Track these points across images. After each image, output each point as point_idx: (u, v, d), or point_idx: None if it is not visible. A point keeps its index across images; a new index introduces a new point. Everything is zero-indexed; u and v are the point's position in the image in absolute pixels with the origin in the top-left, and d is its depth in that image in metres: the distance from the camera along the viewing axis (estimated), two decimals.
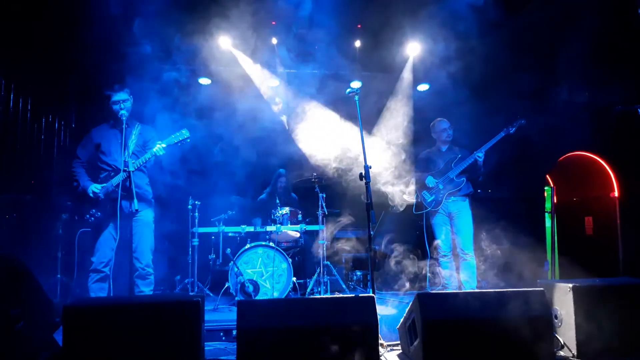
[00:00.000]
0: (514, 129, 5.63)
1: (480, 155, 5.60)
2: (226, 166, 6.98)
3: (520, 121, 5.65)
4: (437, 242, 5.84)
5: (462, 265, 5.68)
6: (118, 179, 4.55)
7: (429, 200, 5.84)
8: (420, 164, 6.10)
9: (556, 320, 3.62)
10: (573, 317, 3.50)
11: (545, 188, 6.84)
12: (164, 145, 4.67)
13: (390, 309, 5.81)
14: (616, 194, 6.47)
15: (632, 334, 3.52)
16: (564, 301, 3.59)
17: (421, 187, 5.95)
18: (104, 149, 4.73)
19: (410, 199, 5.89)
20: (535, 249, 6.55)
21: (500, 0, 6.10)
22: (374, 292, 4.19)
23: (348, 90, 4.56)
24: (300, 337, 3.16)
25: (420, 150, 6.32)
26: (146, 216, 4.75)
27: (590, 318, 3.49)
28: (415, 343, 3.34)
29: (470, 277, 5.61)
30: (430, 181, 5.81)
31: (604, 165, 6.68)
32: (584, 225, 6.81)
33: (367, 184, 4.10)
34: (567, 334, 3.55)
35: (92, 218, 4.58)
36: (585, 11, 5.91)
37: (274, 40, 7.30)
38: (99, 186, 4.60)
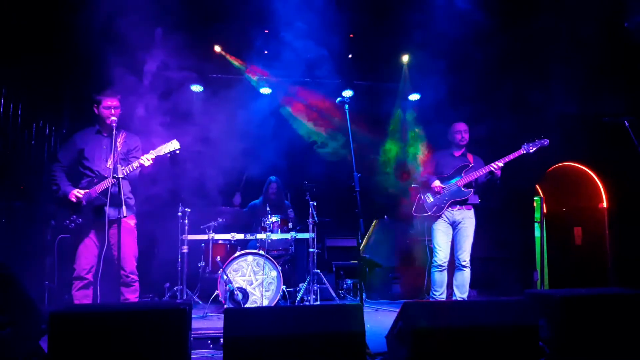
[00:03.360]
0: (535, 148, 5.36)
1: (497, 166, 5.37)
2: (217, 173, 6.98)
3: (543, 142, 5.37)
4: (434, 249, 5.71)
5: (457, 275, 5.61)
6: (104, 185, 4.50)
7: (430, 204, 5.72)
8: (429, 164, 5.94)
9: (542, 330, 3.63)
10: (560, 327, 3.51)
11: (535, 198, 6.89)
12: (152, 156, 4.60)
13: (380, 318, 5.81)
14: (605, 204, 6.53)
15: (619, 344, 3.54)
16: (551, 311, 3.60)
17: (425, 188, 5.81)
18: (87, 155, 4.66)
19: None
20: (524, 259, 6.59)
21: (493, 11, 6.16)
22: (362, 301, 4.20)
23: (339, 99, 4.59)
24: (287, 345, 3.15)
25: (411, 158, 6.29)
26: (128, 223, 4.69)
27: (578, 328, 3.51)
28: (403, 352, 3.34)
29: (463, 287, 5.55)
30: (436, 185, 5.66)
31: (592, 176, 6.75)
32: (573, 235, 6.86)
33: (357, 192, 4.12)
34: (553, 343, 3.56)
35: (72, 224, 4.52)
36: (576, 23, 5.99)
37: (267, 47, 7.33)
38: (81, 191, 4.55)
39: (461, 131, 5.77)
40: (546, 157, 6.78)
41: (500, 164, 5.41)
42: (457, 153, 5.85)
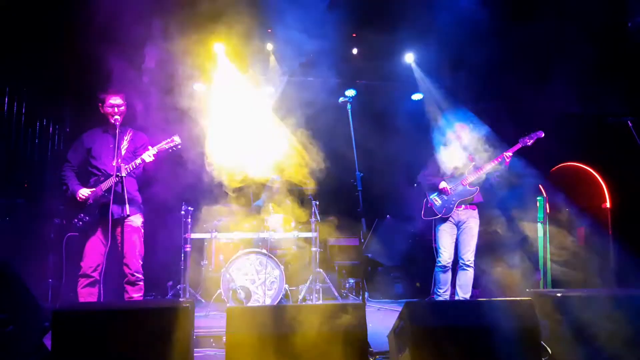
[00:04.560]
0: (531, 141, 5.47)
1: (509, 155, 5.47)
2: (220, 172, 6.98)
3: (538, 133, 5.47)
4: (439, 250, 5.71)
5: (460, 275, 5.61)
6: (108, 183, 4.53)
7: (439, 207, 5.71)
8: (430, 167, 5.93)
9: (544, 330, 3.63)
10: (561, 327, 3.51)
11: (538, 198, 6.87)
12: (154, 152, 4.62)
13: (382, 317, 5.82)
14: (608, 204, 6.51)
15: (621, 344, 3.53)
16: (552, 311, 3.60)
17: (431, 191, 5.82)
18: (94, 154, 4.70)
19: None
20: (527, 259, 6.57)
21: (496, 12, 6.15)
22: (364, 300, 4.21)
23: (341, 98, 4.59)
24: (289, 344, 3.16)
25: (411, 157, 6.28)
26: (135, 222, 4.71)
27: (579, 328, 3.50)
28: (404, 351, 3.34)
29: (466, 287, 5.55)
30: (444, 186, 5.66)
31: (596, 176, 6.73)
32: (576, 236, 6.84)
33: (359, 191, 4.13)
34: (555, 343, 3.56)
35: (80, 223, 4.55)
36: (579, 23, 5.98)
37: (269, 47, 7.34)
38: (87, 190, 4.58)
39: (464, 132, 5.79)
40: (550, 157, 6.77)
41: (509, 153, 5.49)
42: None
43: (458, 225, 5.68)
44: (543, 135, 5.48)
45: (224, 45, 6.97)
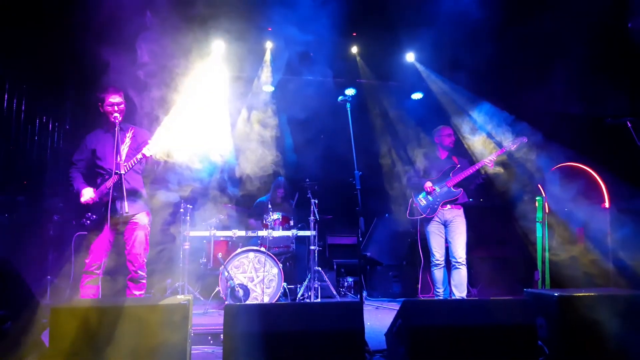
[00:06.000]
0: (515, 146, 5.63)
1: (491, 159, 5.59)
2: (221, 170, 6.98)
3: (522, 139, 5.65)
4: (431, 250, 5.83)
5: (454, 274, 5.69)
6: (111, 182, 4.52)
7: (423, 207, 5.84)
8: (418, 167, 6.09)
9: (541, 330, 3.64)
10: (559, 326, 3.52)
11: (537, 198, 6.87)
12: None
13: (380, 316, 5.83)
14: (607, 205, 6.51)
15: (617, 344, 3.54)
16: (550, 310, 3.61)
17: (417, 191, 5.95)
18: (99, 154, 4.69)
19: None
20: (525, 259, 6.58)
21: (496, 12, 6.15)
22: (362, 299, 4.22)
23: (340, 97, 4.60)
24: (287, 341, 3.16)
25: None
26: (141, 219, 4.69)
27: (576, 328, 3.51)
28: (401, 349, 3.35)
29: (461, 285, 5.64)
30: (429, 186, 5.79)
31: (595, 177, 6.73)
32: (575, 236, 6.84)
33: (357, 190, 4.14)
34: (552, 343, 3.56)
35: (88, 222, 4.55)
36: (579, 24, 5.98)
37: (269, 45, 7.34)
38: (90, 191, 4.56)
39: (451, 134, 5.99)
40: (549, 158, 6.78)
41: (492, 158, 5.61)
42: (443, 156, 6.02)
43: (445, 224, 5.82)
44: (527, 140, 5.66)
45: (224, 42, 6.96)
